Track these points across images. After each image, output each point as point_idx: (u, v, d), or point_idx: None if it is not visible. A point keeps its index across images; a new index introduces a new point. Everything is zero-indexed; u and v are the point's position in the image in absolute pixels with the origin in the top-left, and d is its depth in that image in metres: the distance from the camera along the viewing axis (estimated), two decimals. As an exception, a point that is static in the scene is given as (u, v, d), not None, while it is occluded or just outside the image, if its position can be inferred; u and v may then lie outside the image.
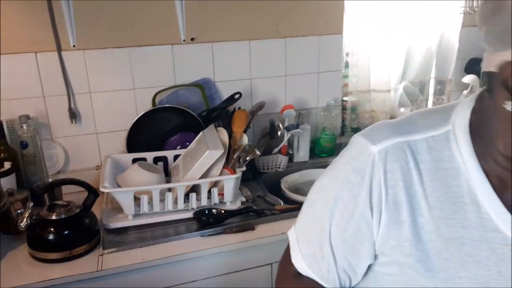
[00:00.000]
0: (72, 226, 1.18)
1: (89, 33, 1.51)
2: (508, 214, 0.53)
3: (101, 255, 1.18)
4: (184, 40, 1.62)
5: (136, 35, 1.56)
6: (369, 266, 0.64)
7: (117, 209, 1.32)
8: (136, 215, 1.30)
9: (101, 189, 1.26)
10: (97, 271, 1.12)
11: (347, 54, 1.92)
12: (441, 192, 0.55)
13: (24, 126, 1.44)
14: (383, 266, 0.61)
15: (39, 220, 1.17)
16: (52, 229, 1.16)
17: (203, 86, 1.68)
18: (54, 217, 1.17)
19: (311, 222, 0.66)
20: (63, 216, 1.18)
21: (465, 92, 1.98)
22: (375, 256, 0.62)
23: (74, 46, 1.50)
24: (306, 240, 0.67)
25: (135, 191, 1.28)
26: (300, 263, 0.68)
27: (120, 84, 1.59)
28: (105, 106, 1.59)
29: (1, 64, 1.44)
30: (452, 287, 0.54)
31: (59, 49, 1.48)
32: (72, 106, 1.55)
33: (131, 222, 1.29)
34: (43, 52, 1.48)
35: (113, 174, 1.40)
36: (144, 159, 1.52)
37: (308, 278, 0.67)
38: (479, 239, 0.53)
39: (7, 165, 1.37)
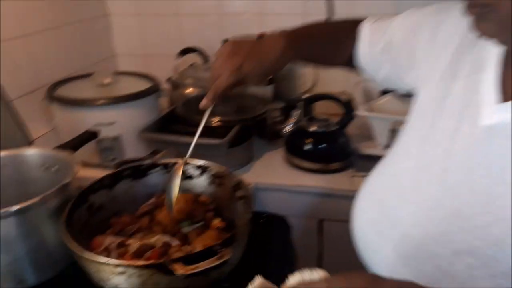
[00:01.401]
0: (328, 141, 1.19)
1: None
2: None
3: (352, 176, 1.17)
4: None
5: None
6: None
7: (367, 136, 1.28)
8: (387, 146, 1.24)
9: (358, 113, 1.22)
10: (349, 190, 1.11)
11: None
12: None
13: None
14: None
15: (300, 129, 1.21)
16: (310, 140, 1.18)
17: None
18: (313, 129, 1.19)
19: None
20: (321, 130, 1.19)
21: None
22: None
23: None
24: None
25: (393, 121, 1.20)
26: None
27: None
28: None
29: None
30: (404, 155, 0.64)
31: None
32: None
33: (381, 151, 1.23)
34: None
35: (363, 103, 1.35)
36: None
37: None
38: (452, 129, 0.56)
39: (266, 77, 1.45)
